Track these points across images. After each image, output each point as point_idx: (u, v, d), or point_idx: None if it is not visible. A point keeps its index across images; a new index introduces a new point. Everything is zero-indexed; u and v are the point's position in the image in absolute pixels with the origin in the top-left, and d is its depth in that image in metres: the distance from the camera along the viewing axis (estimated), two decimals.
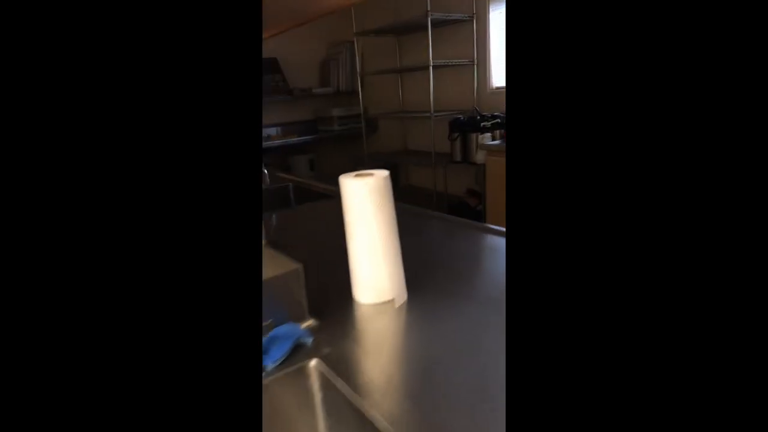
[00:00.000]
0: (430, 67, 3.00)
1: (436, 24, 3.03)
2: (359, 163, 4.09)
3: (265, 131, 4.03)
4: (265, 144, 3.73)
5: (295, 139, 3.94)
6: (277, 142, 3.87)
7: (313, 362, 0.57)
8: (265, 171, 1.48)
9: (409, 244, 0.93)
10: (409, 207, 1.28)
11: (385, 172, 0.69)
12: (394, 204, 0.69)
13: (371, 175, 0.68)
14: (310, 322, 0.65)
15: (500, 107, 3.02)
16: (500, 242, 0.93)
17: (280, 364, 0.56)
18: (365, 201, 0.65)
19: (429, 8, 2.86)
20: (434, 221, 1.14)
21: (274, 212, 1.45)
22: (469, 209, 3.09)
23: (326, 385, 0.56)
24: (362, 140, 3.92)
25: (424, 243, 0.99)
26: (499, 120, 2.83)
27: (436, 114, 3.08)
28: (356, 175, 0.68)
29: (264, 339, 0.57)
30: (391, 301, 0.69)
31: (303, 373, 0.57)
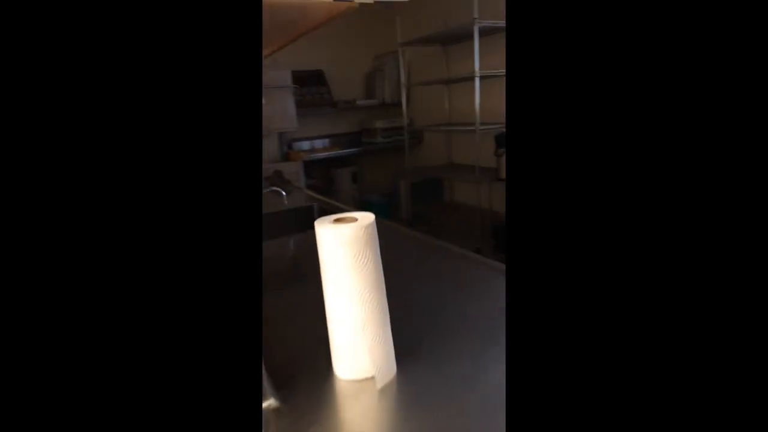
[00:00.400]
0: (476, 78, 2.83)
1: (484, 32, 2.86)
2: (402, 176, 3.96)
3: (309, 144, 4.02)
4: (308, 157, 3.71)
5: (338, 152, 3.89)
6: (321, 154, 3.84)
7: None
8: (284, 193, 1.39)
9: (415, 291, 0.80)
10: (430, 240, 1.13)
11: (370, 218, 0.55)
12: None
13: (354, 220, 0.55)
14: (269, 403, 0.53)
15: None
16: None
17: None
18: (341, 255, 0.52)
19: (476, 15, 2.70)
20: (456, 261, 0.98)
21: (293, 235, 1.35)
22: None
23: None
24: (406, 153, 3.80)
25: (435, 292, 0.83)
26: None
27: (482, 127, 2.89)
28: (335, 220, 0.56)
29: None
30: (371, 379, 0.55)
31: None
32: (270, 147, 3.62)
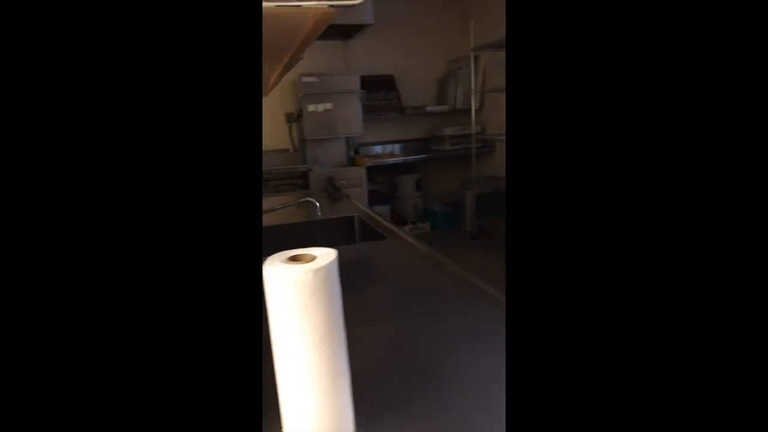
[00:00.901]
0: None
1: None
2: (468, 187, 3.79)
3: (374, 149, 3.99)
4: (373, 162, 3.68)
5: (402, 158, 3.82)
6: (386, 160, 3.79)
7: None
8: (317, 204, 1.34)
9: (413, 333, 0.67)
10: (459, 272, 1.00)
11: (329, 257, 0.46)
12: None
13: (312, 259, 0.46)
14: None
15: None
16: None
17: None
18: (285, 301, 0.43)
19: None
20: (478, 301, 0.85)
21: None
22: None
23: None
24: (473, 162, 3.62)
25: (434, 339, 0.71)
26: None
27: None
28: (291, 258, 0.47)
29: None
30: None
31: None
32: (337, 151, 3.65)
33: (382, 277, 0.97)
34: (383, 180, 4.09)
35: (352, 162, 3.66)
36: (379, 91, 3.81)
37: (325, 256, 0.46)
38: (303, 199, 1.33)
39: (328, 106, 3.37)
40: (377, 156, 3.92)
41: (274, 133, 3.76)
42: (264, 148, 3.73)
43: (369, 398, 0.54)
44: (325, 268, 0.44)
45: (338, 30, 3.40)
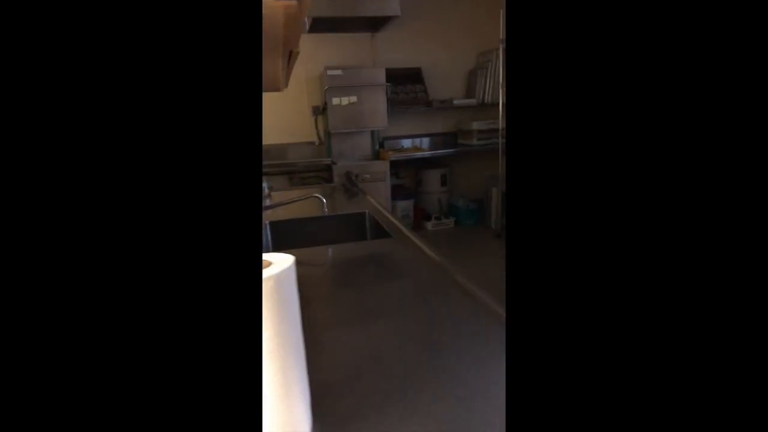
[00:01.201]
0: None
1: None
2: (494, 183, 3.70)
3: (399, 142, 3.95)
4: (397, 156, 3.64)
5: (428, 153, 3.77)
6: (410, 154, 3.75)
7: None
8: (324, 200, 1.33)
9: (400, 338, 0.65)
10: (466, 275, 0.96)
11: (286, 263, 0.44)
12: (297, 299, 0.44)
13: (268, 265, 0.44)
14: None
15: None
16: None
17: None
18: None
19: None
20: (457, 300, 0.81)
21: (333, 244, 1.28)
22: None
23: None
24: (500, 158, 3.53)
25: (419, 348, 0.68)
26: None
27: None
28: None
29: None
30: None
31: None
32: (362, 144, 3.64)
33: (367, 279, 0.95)
34: (408, 174, 4.06)
35: (377, 156, 3.64)
36: (405, 84, 3.76)
37: (281, 263, 0.44)
38: (310, 195, 1.32)
39: (353, 99, 3.35)
40: (402, 150, 3.88)
41: (300, 126, 3.78)
42: (289, 140, 3.77)
43: (338, 408, 0.52)
44: (276, 277, 0.42)
45: (365, 22, 3.37)
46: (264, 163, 3.61)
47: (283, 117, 3.73)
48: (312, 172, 3.76)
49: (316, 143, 3.80)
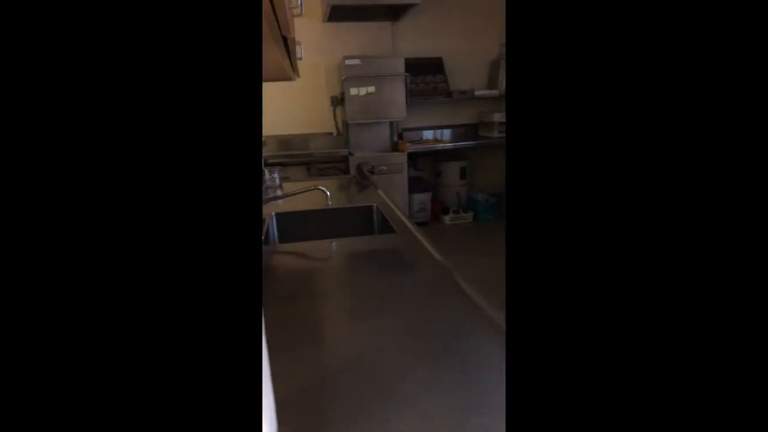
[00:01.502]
0: None
1: None
2: None
3: (418, 134, 3.89)
4: (415, 148, 3.59)
5: (448, 145, 3.69)
6: (429, 146, 3.68)
7: None
8: (328, 193, 1.30)
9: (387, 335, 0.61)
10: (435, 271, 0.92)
11: None
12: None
13: None
14: None
15: None
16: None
17: None
18: None
19: None
20: (450, 301, 0.77)
21: (337, 238, 1.25)
22: None
23: None
24: None
25: (403, 349, 0.65)
26: None
27: None
28: None
29: None
30: None
31: None
32: (380, 135, 3.59)
33: (364, 275, 0.91)
34: (426, 166, 3.99)
35: (395, 147, 3.59)
36: (425, 74, 3.68)
37: None
38: (313, 188, 1.29)
39: (371, 89, 3.30)
40: (421, 142, 3.81)
41: (318, 117, 3.76)
42: (308, 130, 3.75)
43: (302, 416, 0.50)
44: None
45: (385, 10, 3.31)
46: (282, 153, 3.61)
47: (303, 107, 3.72)
48: (329, 163, 3.75)
49: (335, 134, 3.77)
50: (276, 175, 2.00)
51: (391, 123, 3.58)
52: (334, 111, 3.71)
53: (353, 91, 3.29)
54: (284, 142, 3.71)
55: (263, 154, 3.50)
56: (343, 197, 1.68)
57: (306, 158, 3.61)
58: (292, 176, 3.84)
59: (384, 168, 3.40)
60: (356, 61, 3.25)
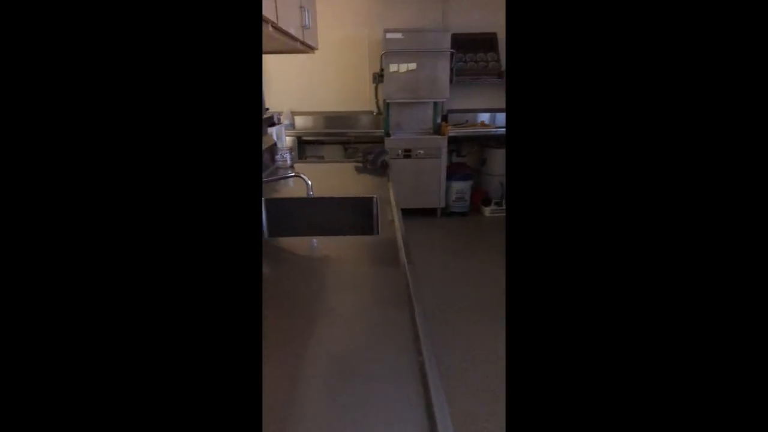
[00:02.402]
0: None
1: None
2: None
3: (463, 116, 3.60)
4: (458, 132, 3.32)
5: (494, 130, 3.39)
6: (475, 131, 3.40)
7: None
8: (309, 183, 1.14)
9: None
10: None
11: None
12: None
13: None
14: None
15: None
16: None
17: None
18: None
19: None
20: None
21: (318, 235, 1.09)
22: None
23: None
24: None
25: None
26: None
27: None
28: None
29: None
30: None
31: None
32: (421, 116, 3.36)
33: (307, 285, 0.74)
34: (471, 152, 3.71)
35: (438, 129, 3.35)
36: (476, 51, 3.36)
37: None
38: (295, 174, 1.13)
39: (412, 66, 3.07)
40: (465, 125, 3.53)
41: (359, 94, 3.59)
42: (347, 108, 3.60)
43: None
44: None
45: None
46: (319, 131, 3.50)
47: (345, 84, 3.56)
48: (366, 143, 3.58)
49: (375, 113, 3.59)
50: (287, 155, 1.87)
51: (435, 103, 3.33)
52: (376, 88, 3.51)
53: (392, 67, 3.07)
54: (325, 119, 3.59)
55: (298, 131, 3.41)
56: (349, 184, 1.51)
57: (341, 137, 3.47)
58: (327, 155, 3.73)
59: (421, 151, 3.18)
60: (398, 35, 3.02)
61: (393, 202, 1.27)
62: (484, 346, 1.79)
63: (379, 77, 3.37)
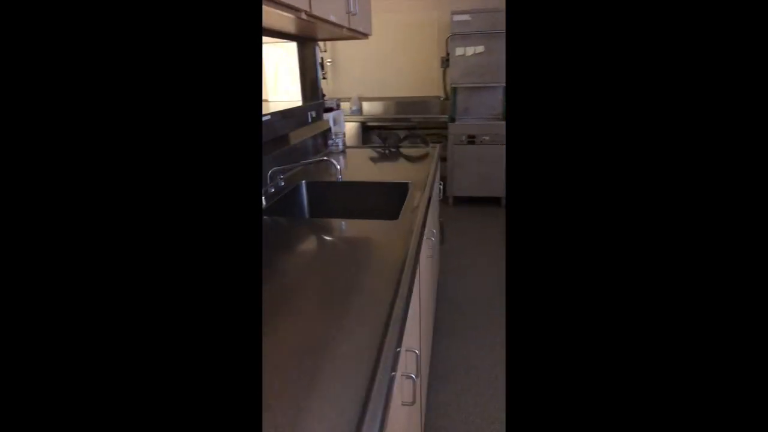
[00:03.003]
0: None
1: None
2: None
3: None
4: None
5: None
6: None
7: None
8: (339, 166, 1.16)
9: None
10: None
11: None
12: None
13: None
14: None
15: None
16: None
17: None
18: None
19: None
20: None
21: (350, 218, 1.13)
22: None
23: None
24: None
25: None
26: None
27: None
28: None
29: None
30: None
31: None
32: (490, 102, 3.24)
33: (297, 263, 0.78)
34: None
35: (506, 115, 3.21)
36: None
37: None
38: (321, 159, 1.17)
39: (479, 49, 2.96)
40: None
41: (426, 79, 3.55)
42: (418, 93, 3.58)
43: None
44: None
45: None
46: (384, 117, 3.53)
47: (413, 69, 3.54)
48: (431, 128, 3.55)
49: (442, 98, 3.53)
50: (339, 140, 1.92)
51: (503, 88, 3.19)
52: (444, 73, 3.45)
53: (459, 50, 2.99)
54: (394, 105, 3.61)
55: (366, 116, 3.46)
56: (399, 170, 1.52)
57: (406, 123, 3.47)
58: (391, 142, 3.74)
59: (486, 138, 3.08)
60: (465, 17, 2.93)
61: (428, 189, 1.26)
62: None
63: (445, 61, 3.30)
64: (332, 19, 1.27)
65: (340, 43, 3.60)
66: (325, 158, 1.12)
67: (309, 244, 0.90)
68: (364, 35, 1.77)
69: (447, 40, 3.03)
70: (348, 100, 3.61)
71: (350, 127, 3.40)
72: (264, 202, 1.15)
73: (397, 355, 0.55)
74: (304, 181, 1.37)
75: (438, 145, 1.97)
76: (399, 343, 0.58)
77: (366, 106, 3.65)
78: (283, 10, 1.01)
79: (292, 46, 1.67)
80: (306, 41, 1.77)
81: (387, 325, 0.59)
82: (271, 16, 1.07)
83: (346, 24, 1.44)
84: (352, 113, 3.58)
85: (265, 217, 1.06)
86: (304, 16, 1.08)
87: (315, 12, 1.12)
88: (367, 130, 3.51)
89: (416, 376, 0.70)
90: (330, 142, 1.94)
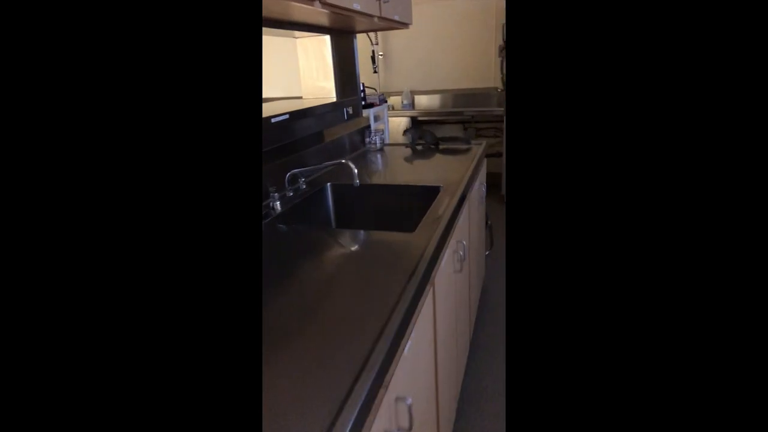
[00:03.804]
0: None
1: None
2: None
3: None
4: None
5: None
6: None
7: None
8: (355, 170, 1.06)
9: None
10: None
11: None
12: None
13: None
14: None
15: None
16: None
17: None
18: None
19: None
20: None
21: (369, 230, 1.03)
22: None
23: None
24: None
25: None
26: None
27: None
28: None
29: None
30: None
31: None
32: None
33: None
34: None
35: None
36: None
37: None
38: (337, 162, 1.07)
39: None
40: None
41: (482, 70, 3.34)
42: (469, 85, 3.39)
43: None
44: None
45: None
46: (439, 110, 3.37)
47: (467, 59, 3.35)
48: (485, 122, 3.34)
49: (500, 90, 3.31)
50: (377, 138, 1.82)
51: None
52: (502, 63, 3.22)
53: None
54: (450, 98, 3.45)
55: (418, 111, 3.32)
56: (438, 169, 1.39)
57: (459, 117, 3.29)
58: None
59: None
60: None
61: (458, 193, 1.12)
62: None
63: (503, 50, 3.07)
64: (356, 7, 1.17)
65: (392, 35, 3.49)
66: (343, 161, 1.03)
67: (293, 262, 0.81)
68: (404, 24, 1.65)
69: (503, 27, 2.81)
70: (400, 93, 3.49)
71: (400, 123, 3.29)
72: (279, 207, 1.08)
73: (366, 409, 0.44)
74: (329, 184, 1.29)
75: (484, 142, 1.80)
76: (373, 394, 0.47)
77: (420, 99, 3.52)
78: (295, 0, 0.92)
79: (324, 40, 1.59)
80: (342, 33, 1.68)
81: (361, 370, 0.48)
82: (289, 8, 0.99)
83: (376, 13, 1.32)
84: (404, 107, 3.47)
85: (265, 222, 0.99)
86: (319, 6, 0.99)
87: (331, 0, 1.02)
88: (418, 125, 3.38)
89: (408, 428, 0.59)
90: (368, 139, 1.85)
